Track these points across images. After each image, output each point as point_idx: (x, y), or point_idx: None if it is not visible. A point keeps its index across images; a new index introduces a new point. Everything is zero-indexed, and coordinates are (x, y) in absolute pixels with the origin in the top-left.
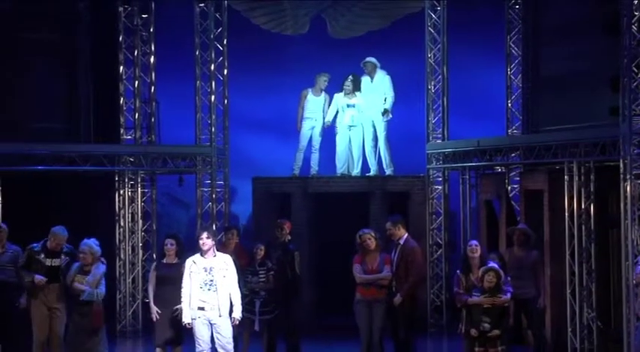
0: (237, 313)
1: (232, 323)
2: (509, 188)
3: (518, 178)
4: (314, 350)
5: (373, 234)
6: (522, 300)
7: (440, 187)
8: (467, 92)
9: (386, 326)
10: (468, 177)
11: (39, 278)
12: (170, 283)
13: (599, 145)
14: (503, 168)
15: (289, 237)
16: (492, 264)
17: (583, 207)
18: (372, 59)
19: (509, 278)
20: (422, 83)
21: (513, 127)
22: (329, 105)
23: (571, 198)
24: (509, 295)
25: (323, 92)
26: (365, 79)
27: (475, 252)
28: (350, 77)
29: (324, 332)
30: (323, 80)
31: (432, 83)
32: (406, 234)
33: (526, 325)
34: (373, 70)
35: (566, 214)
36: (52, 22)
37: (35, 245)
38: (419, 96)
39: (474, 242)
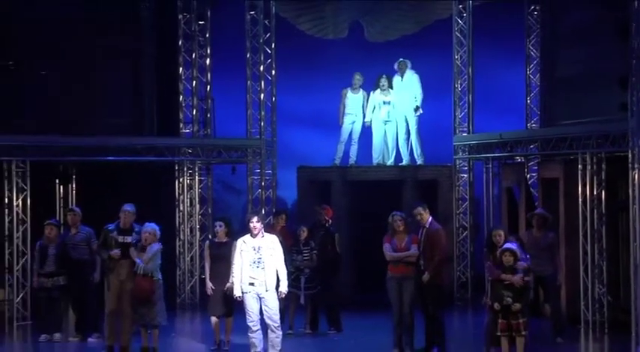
0: (284, 288)
1: (279, 296)
2: (528, 176)
3: (536, 167)
4: (352, 322)
5: (403, 217)
6: (540, 277)
7: (465, 175)
8: (490, 90)
9: (415, 300)
10: (490, 166)
11: (115, 252)
12: (222, 260)
13: (610, 138)
14: (522, 158)
15: (330, 220)
16: (509, 245)
17: (595, 193)
18: (406, 60)
19: (528, 257)
20: (449, 82)
21: (532, 121)
22: (367, 101)
23: (584, 186)
24: (520, 273)
25: (361, 90)
26: (396, 78)
27: (499, 242)
28: (383, 76)
29: (361, 305)
30: (357, 78)
31: (459, 82)
32: (430, 218)
33: (543, 299)
34: (404, 70)
35: (580, 200)
36: (119, 29)
37: (110, 225)
38: (446, 94)
39: (499, 231)
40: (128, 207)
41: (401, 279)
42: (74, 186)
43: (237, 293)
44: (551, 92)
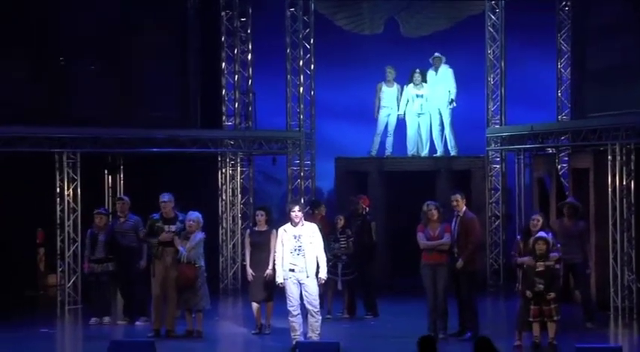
0: (323, 274)
1: (318, 282)
2: (558, 167)
3: (566, 158)
4: (388, 307)
5: (437, 206)
6: (570, 265)
7: (498, 166)
8: (522, 83)
9: (449, 287)
10: (522, 157)
11: (165, 235)
12: (262, 248)
13: (638, 129)
14: (553, 149)
15: (367, 209)
16: (543, 234)
17: (624, 183)
18: (440, 55)
19: (559, 246)
20: (482, 76)
21: (563, 114)
22: (401, 94)
23: (614, 176)
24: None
25: (395, 83)
26: (430, 72)
27: (536, 226)
28: (417, 70)
29: (397, 291)
30: (389, 72)
31: (492, 76)
32: (465, 207)
33: (574, 286)
34: (439, 64)
35: (609, 189)
36: (166, 26)
37: (155, 215)
38: (479, 88)
39: (536, 216)
40: (165, 197)
41: (435, 267)
42: (122, 176)
43: (279, 279)
44: (582, 85)
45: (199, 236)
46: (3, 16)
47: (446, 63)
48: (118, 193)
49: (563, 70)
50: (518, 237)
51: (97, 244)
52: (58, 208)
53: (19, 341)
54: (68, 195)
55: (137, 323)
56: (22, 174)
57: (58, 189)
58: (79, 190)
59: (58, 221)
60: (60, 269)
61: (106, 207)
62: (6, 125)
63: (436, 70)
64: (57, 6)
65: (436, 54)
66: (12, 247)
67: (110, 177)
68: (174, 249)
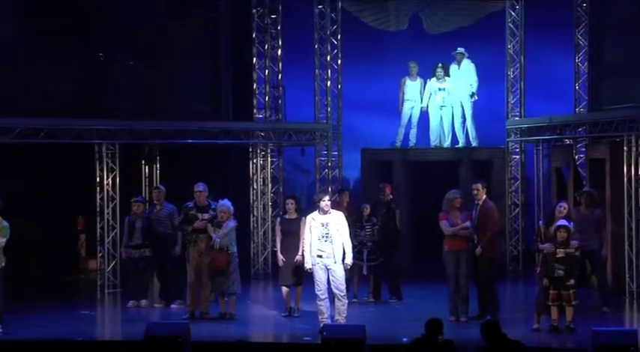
0: (349, 260)
1: (345, 268)
2: (576, 157)
3: (584, 149)
4: (411, 291)
5: (460, 195)
6: (587, 251)
7: (517, 157)
8: (541, 77)
9: (470, 272)
10: (541, 148)
11: (199, 223)
12: (292, 235)
13: None
14: (571, 140)
15: (391, 198)
16: (564, 222)
17: (639, 173)
18: (462, 50)
19: (577, 234)
20: (502, 70)
21: (580, 106)
22: (424, 88)
23: (629, 166)
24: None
25: (418, 77)
26: (453, 67)
27: (562, 213)
28: (440, 65)
29: (420, 276)
30: (412, 66)
31: (511, 70)
32: (485, 196)
33: (590, 271)
34: (461, 59)
35: (625, 179)
36: (200, 25)
37: (189, 203)
38: (500, 81)
39: (563, 204)
40: (200, 187)
41: (457, 253)
42: (158, 166)
43: (307, 265)
44: (599, 78)
45: (231, 223)
46: (48, 15)
47: (468, 58)
48: (155, 182)
49: (580, 64)
50: (541, 222)
51: (135, 231)
52: (98, 197)
53: (61, 322)
54: (107, 184)
55: (173, 306)
56: (65, 164)
57: (97, 179)
58: (117, 180)
59: (98, 209)
60: (100, 254)
61: (143, 195)
62: (50, 118)
63: (459, 65)
64: (98, 6)
65: (459, 49)
66: (55, 233)
67: (147, 167)
68: (207, 236)
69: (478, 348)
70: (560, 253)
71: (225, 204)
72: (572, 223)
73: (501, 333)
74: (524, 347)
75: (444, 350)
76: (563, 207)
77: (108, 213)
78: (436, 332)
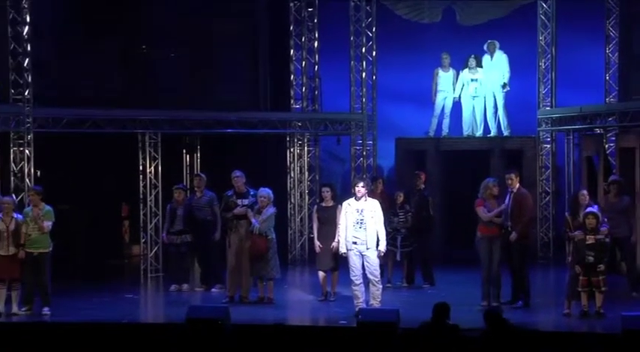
0: (382, 246)
1: (378, 254)
2: (606, 146)
3: (614, 138)
4: (444, 277)
5: (497, 183)
6: (616, 238)
7: (548, 146)
8: (572, 68)
9: (503, 258)
10: (572, 137)
11: (239, 210)
12: (328, 222)
13: None
14: (601, 129)
15: (424, 185)
16: (592, 209)
17: None
18: (495, 41)
19: (606, 220)
20: (534, 61)
21: (610, 96)
22: (456, 79)
23: None
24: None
25: (451, 68)
26: (485, 58)
27: (584, 200)
28: (472, 56)
29: (452, 262)
30: (444, 58)
31: (543, 61)
32: (518, 184)
33: (620, 258)
34: (494, 50)
35: None
36: (239, 17)
37: (229, 192)
38: (531, 72)
39: (585, 191)
40: (237, 173)
41: (492, 239)
42: (199, 155)
43: (342, 249)
44: (629, 69)
45: (271, 210)
46: (93, 8)
47: (500, 49)
48: (195, 171)
49: (611, 55)
50: (567, 213)
51: (176, 217)
52: (141, 184)
53: (106, 305)
54: (150, 172)
55: (213, 290)
56: (109, 153)
57: (140, 167)
58: (159, 168)
59: (141, 196)
60: (143, 240)
61: (184, 183)
62: (94, 108)
63: (491, 56)
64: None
65: (490, 40)
66: (100, 220)
67: (188, 155)
68: (247, 222)
69: (483, 333)
70: (590, 239)
71: (266, 190)
72: (596, 207)
73: (503, 320)
74: (526, 331)
75: (449, 334)
76: (585, 192)
77: (150, 200)
78: (443, 315)
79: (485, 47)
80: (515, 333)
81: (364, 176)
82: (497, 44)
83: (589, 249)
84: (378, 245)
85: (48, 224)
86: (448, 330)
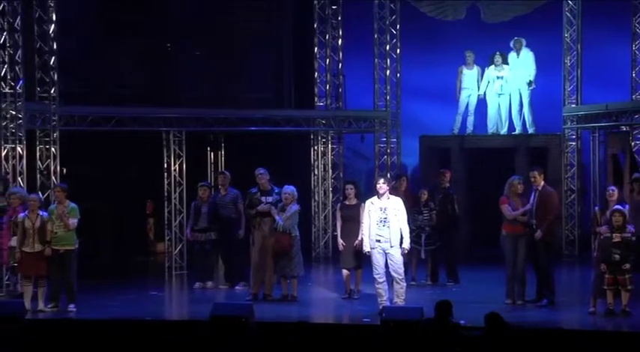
0: (406, 244)
1: (402, 252)
2: (632, 144)
3: None
4: (468, 274)
5: (521, 181)
6: None
7: (574, 143)
8: (597, 65)
9: (528, 256)
10: (597, 134)
11: (263, 206)
12: (351, 220)
13: None
14: (627, 127)
15: (449, 183)
16: (619, 207)
17: None
18: (521, 38)
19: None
20: (559, 58)
21: (637, 93)
22: (481, 76)
23: None
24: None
25: (475, 66)
26: (512, 55)
27: (612, 196)
28: (498, 53)
29: (477, 260)
30: (468, 55)
31: (568, 58)
32: (543, 182)
33: None
34: (520, 47)
35: None
36: (262, 15)
37: (253, 189)
38: (557, 69)
39: (612, 188)
40: (261, 170)
41: (517, 237)
42: (223, 152)
43: (366, 248)
44: None
45: (295, 207)
46: (119, 8)
47: (526, 46)
48: (220, 168)
49: (637, 52)
50: (596, 207)
51: (200, 215)
52: (166, 182)
53: (131, 302)
54: (175, 170)
55: (237, 287)
56: (134, 151)
57: (165, 165)
58: (184, 166)
59: (166, 194)
60: (167, 237)
61: (209, 180)
62: (120, 106)
63: (517, 53)
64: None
65: (517, 38)
66: (125, 217)
67: (212, 153)
68: (271, 219)
69: (483, 334)
70: (617, 238)
71: (290, 188)
72: (624, 206)
73: (503, 323)
74: (527, 331)
75: (449, 333)
76: (612, 189)
77: (175, 198)
78: (446, 314)
79: (511, 44)
80: (515, 336)
81: (387, 174)
82: (524, 42)
83: (615, 247)
84: (402, 243)
85: (73, 221)
86: (450, 329)
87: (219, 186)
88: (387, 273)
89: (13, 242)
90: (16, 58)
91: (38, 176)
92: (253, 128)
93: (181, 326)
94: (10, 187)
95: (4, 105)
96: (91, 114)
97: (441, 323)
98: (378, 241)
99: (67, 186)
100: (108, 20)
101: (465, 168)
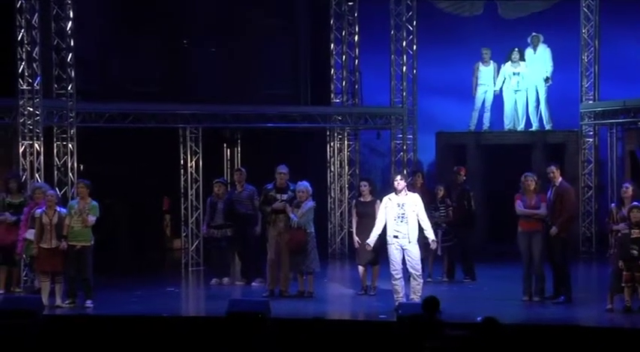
0: (431, 235)
1: (432, 246)
2: None
3: None
4: (485, 271)
5: (535, 178)
6: None
7: (591, 140)
8: (615, 61)
9: (544, 252)
10: (615, 131)
11: (277, 204)
12: (367, 217)
13: None
14: None
15: (465, 179)
16: (638, 203)
17: None
18: (539, 34)
19: None
20: (577, 54)
21: None
22: (497, 73)
23: None
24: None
25: (491, 62)
26: (528, 51)
27: (626, 193)
28: (515, 49)
29: (494, 256)
30: (484, 53)
31: (586, 54)
32: (561, 178)
33: None
34: (537, 43)
35: None
36: (280, 11)
37: (269, 185)
38: (574, 65)
39: (626, 184)
40: (282, 169)
41: (531, 234)
42: (239, 149)
43: (370, 242)
44: None
45: (310, 204)
46: (136, 6)
47: (543, 42)
48: (236, 165)
49: None
50: (613, 204)
51: (217, 211)
52: (182, 178)
53: (148, 298)
54: (191, 166)
55: (253, 283)
56: (150, 147)
57: (181, 161)
58: (200, 162)
59: (182, 190)
60: (184, 234)
61: (225, 177)
62: (137, 103)
63: (534, 49)
64: None
65: (534, 34)
66: (142, 214)
67: (228, 150)
68: (286, 216)
69: (474, 335)
70: (635, 234)
71: (304, 184)
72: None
73: (498, 327)
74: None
75: (430, 329)
76: (627, 186)
77: (191, 195)
78: (432, 310)
79: (529, 40)
80: (508, 338)
81: (403, 170)
82: (542, 38)
83: (633, 243)
84: (419, 238)
85: (92, 218)
86: (433, 326)
87: (236, 183)
88: (404, 270)
89: (29, 235)
90: (34, 55)
91: (55, 173)
92: (269, 124)
93: (198, 322)
94: (24, 184)
95: (21, 102)
96: (107, 111)
97: (425, 319)
98: (396, 237)
99: (90, 183)
100: (124, 17)
101: (482, 165)
